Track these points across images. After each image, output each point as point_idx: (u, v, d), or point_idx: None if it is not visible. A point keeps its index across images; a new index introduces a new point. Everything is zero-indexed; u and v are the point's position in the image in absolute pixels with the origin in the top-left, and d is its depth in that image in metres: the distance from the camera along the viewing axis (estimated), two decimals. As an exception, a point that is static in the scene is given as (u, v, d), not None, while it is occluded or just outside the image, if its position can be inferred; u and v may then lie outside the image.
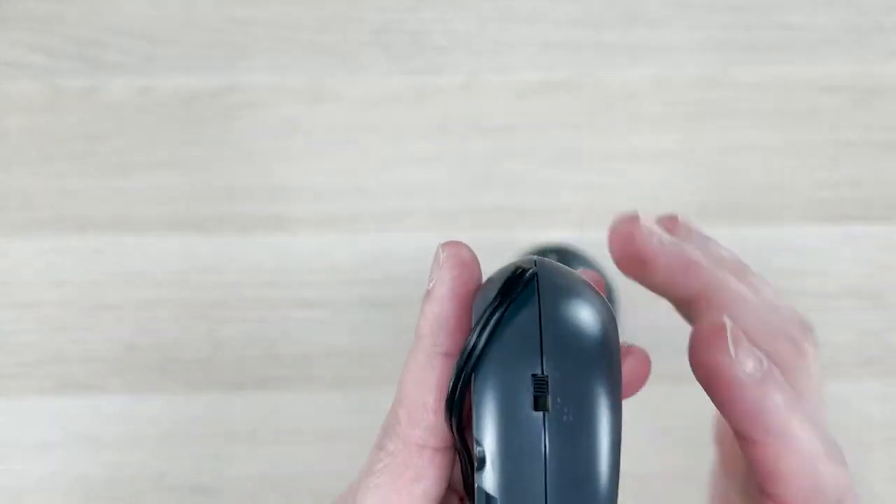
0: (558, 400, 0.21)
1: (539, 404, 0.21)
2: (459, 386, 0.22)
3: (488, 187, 0.53)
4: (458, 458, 0.24)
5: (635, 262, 0.26)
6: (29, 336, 0.51)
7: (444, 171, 0.53)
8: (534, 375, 0.21)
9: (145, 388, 0.51)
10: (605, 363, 0.22)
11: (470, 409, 0.24)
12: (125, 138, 0.53)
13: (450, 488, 0.28)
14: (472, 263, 0.24)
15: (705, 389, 0.25)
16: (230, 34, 0.54)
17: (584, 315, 0.22)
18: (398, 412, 0.24)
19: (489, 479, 0.21)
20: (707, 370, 0.25)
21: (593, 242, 0.52)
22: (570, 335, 0.21)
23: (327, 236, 0.52)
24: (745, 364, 0.24)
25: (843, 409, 0.50)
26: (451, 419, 0.22)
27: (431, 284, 0.24)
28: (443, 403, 0.23)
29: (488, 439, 0.21)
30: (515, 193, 0.53)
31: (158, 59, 0.54)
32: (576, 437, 0.21)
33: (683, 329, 0.53)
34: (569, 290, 0.22)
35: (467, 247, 0.24)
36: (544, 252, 0.51)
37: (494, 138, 0.53)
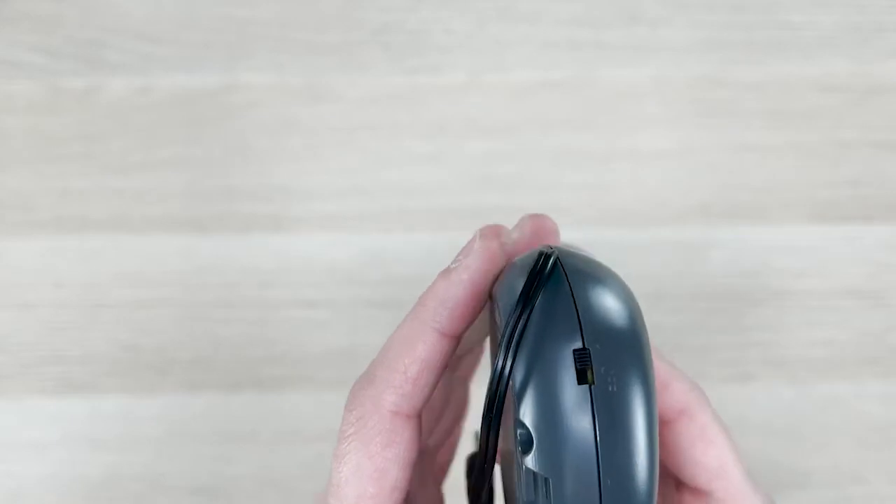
0: (602, 371, 0.21)
1: (583, 377, 0.21)
2: (500, 392, 0.22)
3: (488, 187, 0.53)
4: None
5: None
6: (29, 336, 0.51)
7: (443, 171, 0.53)
8: (575, 350, 0.21)
9: (145, 389, 0.50)
10: (639, 333, 0.22)
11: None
12: (125, 138, 0.53)
13: (427, 454, 0.28)
14: (500, 261, 0.24)
15: None
16: (229, 34, 0.54)
17: (613, 291, 0.22)
18: (375, 372, 0.24)
19: (539, 460, 0.21)
20: None
21: (593, 242, 0.52)
22: (604, 309, 0.22)
23: (327, 236, 0.52)
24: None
25: (843, 409, 0.50)
26: (487, 433, 0.22)
27: (455, 265, 0.24)
28: (422, 372, 0.23)
29: (534, 419, 0.21)
30: (515, 193, 0.53)
31: (158, 59, 0.54)
32: (623, 407, 0.21)
33: (684, 329, 0.53)
34: (592, 269, 0.23)
35: (501, 243, 0.24)
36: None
37: (494, 138, 0.53)
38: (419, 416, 0.24)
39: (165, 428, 0.50)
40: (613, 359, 0.21)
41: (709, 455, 0.25)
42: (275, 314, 0.51)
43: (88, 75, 0.54)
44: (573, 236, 0.52)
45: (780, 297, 0.52)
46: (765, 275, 0.52)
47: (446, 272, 0.24)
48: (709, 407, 0.26)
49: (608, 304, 0.22)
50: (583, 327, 0.21)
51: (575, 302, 0.22)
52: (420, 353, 0.23)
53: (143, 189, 0.53)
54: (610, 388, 0.21)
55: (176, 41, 0.54)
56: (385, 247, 0.52)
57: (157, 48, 0.54)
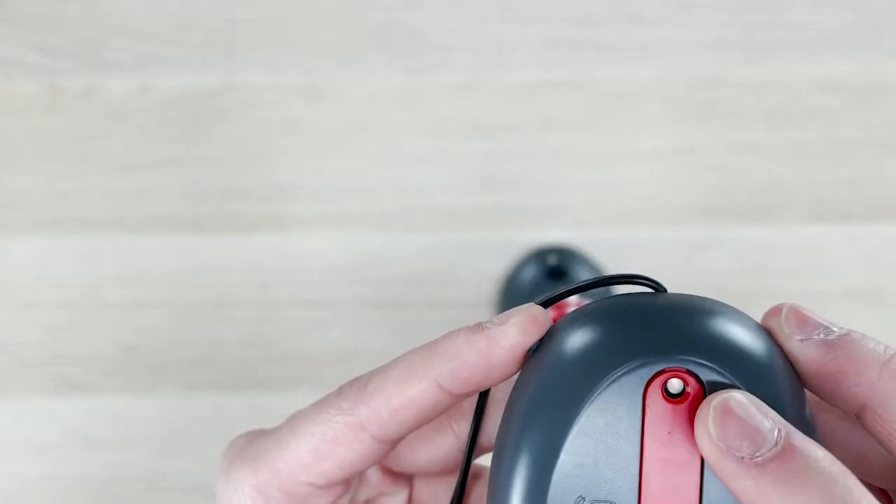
0: None
1: None
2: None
3: (488, 187, 0.53)
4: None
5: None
6: (28, 336, 0.51)
7: (444, 171, 0.53)
8: None
9: (144, 389, 0.50)
10: None
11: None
12: (124, 138, 0.53)
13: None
14: (530, 342, 0.23)
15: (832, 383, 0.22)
16: (229, 33, 0.54)
17: None
18: (370, 382, 0.24)
19: None
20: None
21: (593, 242, 0.52)
22: None
23: (327, 236, 0.52)
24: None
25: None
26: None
27: (488, 325, 0.23)
28: (404, 409, 0.23)
29: None
30: (515, 193, 0.53)
31: (157, 59, 0.54)
32: None
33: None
34: None
35: (539, 331, 0.23)
36: (544, 253, 0.51)
37: (494, 138, 0.53)
38: (388, 443, 0.24)
39: (165, 428, 0.50)
40: None
41: None
42: (275, 314, 0.51)
43: (88, 75, 0.53)
44: (573, 236, 0.52)
45: (780, 297, 0.52)
46: (765, 275, 0.52)
47: (475, 329, 0.23)
48: None
49: None
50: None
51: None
52: (410, 394, 0.23)
53: (142, 189, 0.53)
54: None
55: (176, 41, 0.54)
56: (385, 247, 0.52)
57: (157, 48, 0.54)
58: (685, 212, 0.53)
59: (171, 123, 0.53)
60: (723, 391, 0.20)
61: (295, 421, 0.25)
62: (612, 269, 0.51)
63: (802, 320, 0.23)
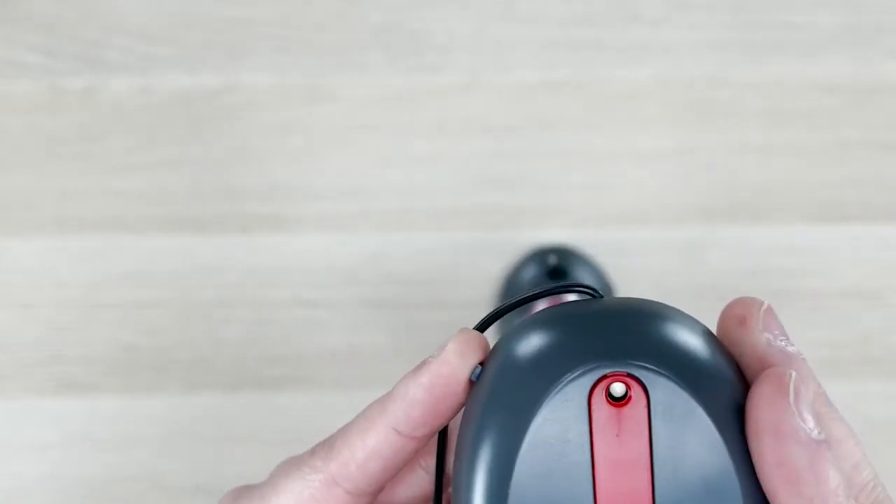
0: None
1: None
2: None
3: (488, 187, 0.53)
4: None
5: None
6: (28, 336, 0.51)
7: (444, 171, 0.53)
8: None
9: (144, 389, 0.51)
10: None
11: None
12: (125, 138, 0.53)
13: None
14: (467, 370, 0.23)
15: (755, 447, 0.22)
16: (230, 34, 0.54)
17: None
18: (335, 442, 0.24)
19: None
20: (763, 423, 0.21)
21: (593, 242, 0.52)
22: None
23: (327, 236, 0.52)
24: (806, 420, 0.21)
25: (844, 409, 0.50)
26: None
27: (429, 358, 0.23)
28: (369, 461, 0.24)
29: None
30: (515, 193, 0.53)
31: (158, 59, 0.54)
32: None
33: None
34: None
35: (475, 353, 0.23)
36: (544, 253, 0.51)
37: (494, 138, 0.53)
38: (363, 496, 0.24)
39: (165, 428, 0.50)
40: None
41: None
42: (275, 314, 0.51)
43: (88, 75, 0.54)
44: (573, 236, 0.52)
45: (780, 297, 0.52)
46: (765, 275, 0.52)
47: (418, 366, 0.23)
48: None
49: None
50: None
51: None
52: (371, 444, 0.24)
53: (143, 189, 0.53)
54: None
55: (176, 41, 0.54)
56: (385, 247, 0.52)
57: (157, 48, 0.54)
58: (685, 212, 0.53)
59: (171, 123, 0.53)
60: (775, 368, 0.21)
61: (276, 479, 0.26)
62: (610, 270, 0.51)
63: (771, 322, 0.23)
